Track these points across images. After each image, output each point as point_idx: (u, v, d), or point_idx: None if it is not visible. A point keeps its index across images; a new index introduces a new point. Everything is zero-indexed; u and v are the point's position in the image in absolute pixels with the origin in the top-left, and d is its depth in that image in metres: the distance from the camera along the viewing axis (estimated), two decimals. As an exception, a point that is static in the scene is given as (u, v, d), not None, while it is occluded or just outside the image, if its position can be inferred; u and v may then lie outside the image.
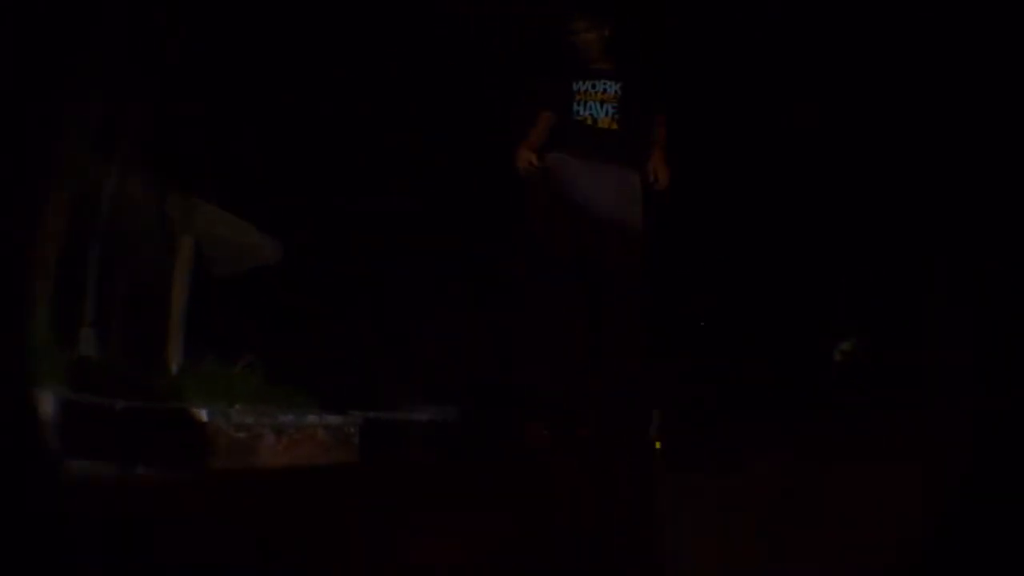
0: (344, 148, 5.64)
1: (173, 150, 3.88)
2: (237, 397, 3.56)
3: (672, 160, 3.95)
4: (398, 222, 5.96)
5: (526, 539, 2.38)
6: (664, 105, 4.12)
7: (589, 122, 3.98)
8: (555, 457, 3.32)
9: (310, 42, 4.99)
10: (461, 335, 5.54)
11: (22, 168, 1.50)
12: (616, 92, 3.99)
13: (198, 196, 4.01)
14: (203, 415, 2.82)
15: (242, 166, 4.75)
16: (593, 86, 3.99)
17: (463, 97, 5.41)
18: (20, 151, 1.51)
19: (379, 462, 2.83)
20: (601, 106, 3.97)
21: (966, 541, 2.76)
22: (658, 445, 4.72)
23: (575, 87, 4.02)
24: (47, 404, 2.00)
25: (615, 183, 4.00)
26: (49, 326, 2.71)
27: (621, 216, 3.92)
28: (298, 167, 5.33)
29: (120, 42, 3.60)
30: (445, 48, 5.23)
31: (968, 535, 2.80)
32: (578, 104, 4.00)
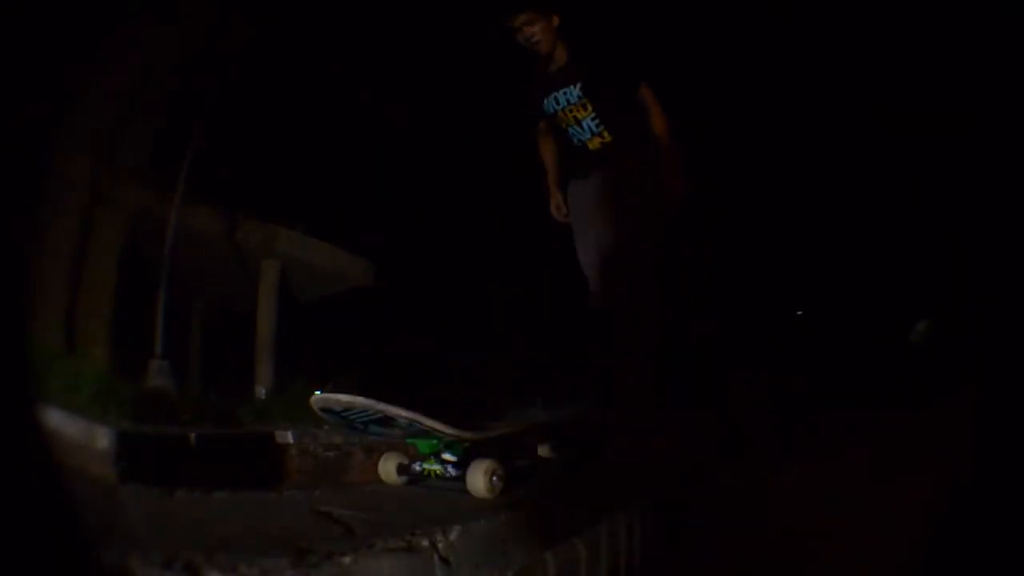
0: (430, 167, 5.47)
1: (247, 178, 3.77)
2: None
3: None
4: (486, 239, 5.74)
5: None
6: (634, 77, 3.43)
7: (582, 148, 3.47)
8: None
9: (390, 65, 4.83)
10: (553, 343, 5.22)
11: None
12: (580, 96, 3.39)
13: (279, 222, 3.88)
14: (288, 437, 2.66)
15: (328, 192, 4.62)
16: (556, 100, 3.42)
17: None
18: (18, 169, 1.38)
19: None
20: (581, 126, 3.42)
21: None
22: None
23: (546, 107, 3.48)
24: (103, 435, 1.80)
25: (606, 187, 3.43)
26: (110, 358, 2.58)
27: (625, 234, 3.34)
28: (386, 189, 5.18)
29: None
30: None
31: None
32: (565, 131, 3.49)
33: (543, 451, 2.60)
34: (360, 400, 1.70)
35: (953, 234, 10.62)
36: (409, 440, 1.93)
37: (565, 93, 3.40)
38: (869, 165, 10.75)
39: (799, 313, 12.10)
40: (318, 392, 1.80)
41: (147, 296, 3.09)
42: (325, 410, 1.79)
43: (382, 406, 1.70)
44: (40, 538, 1.02)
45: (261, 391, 3.28)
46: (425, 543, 1.26)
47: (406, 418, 1.72)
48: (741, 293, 11.29)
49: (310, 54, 4.29)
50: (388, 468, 2.00)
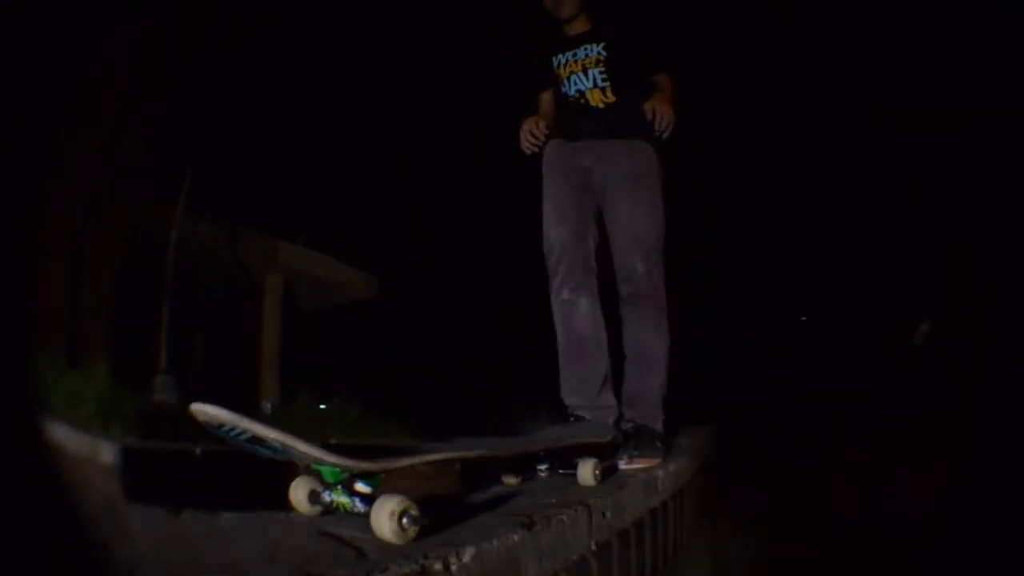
0: (438, 182, 5.44)
1: (249, 191, 3.72)
2: (332, 432, 3.34)
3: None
4: (491, 252, 5.70)
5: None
6: (660, 61, 3.22)
7: (582, 101, 3.18)
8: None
9: (391, 65, 4.80)
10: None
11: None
12: (599, 54, 3.15)
13: (281, 235, 3.84)
14: (292, 452, 2.60)
15: (334, 206, 4.59)
16: (574, 55, 3.18)
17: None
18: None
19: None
20: (587, 74, 3.16)
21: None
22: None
23: (555, 62, 3.23)
24: (107, 450, 1.76)
25: (618, 167, 3.12)
26: (114, 374, 2.53)
27: (630, 201, 3.04)
28: (392, 204, 5.15)
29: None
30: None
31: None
32: (564, 83, 3.21)
33: (509, 480, 2.33)
34: (227, 416, 1.45)
35: (954, 235, 10.57)
36: (314, 467, 1.63)
37: (585, 49, 3.18)
38: (870, 166, 10.70)
39: (803, 318, 12.04)
40: (195, 404, 1.52)
41: (150, 309, 3.05)
42: (206, 423, 1.52)
43: (247, 423, 1.44)
44: (42, 554, 0.99)
45: (267, 405, 3.24)
46: (439, 566, 1.22)
47: (277, 440, 1.43)
48: (741, 294, 11.23)
49: (310, 54, 4.25)
50: (299, 495, 1.67)
